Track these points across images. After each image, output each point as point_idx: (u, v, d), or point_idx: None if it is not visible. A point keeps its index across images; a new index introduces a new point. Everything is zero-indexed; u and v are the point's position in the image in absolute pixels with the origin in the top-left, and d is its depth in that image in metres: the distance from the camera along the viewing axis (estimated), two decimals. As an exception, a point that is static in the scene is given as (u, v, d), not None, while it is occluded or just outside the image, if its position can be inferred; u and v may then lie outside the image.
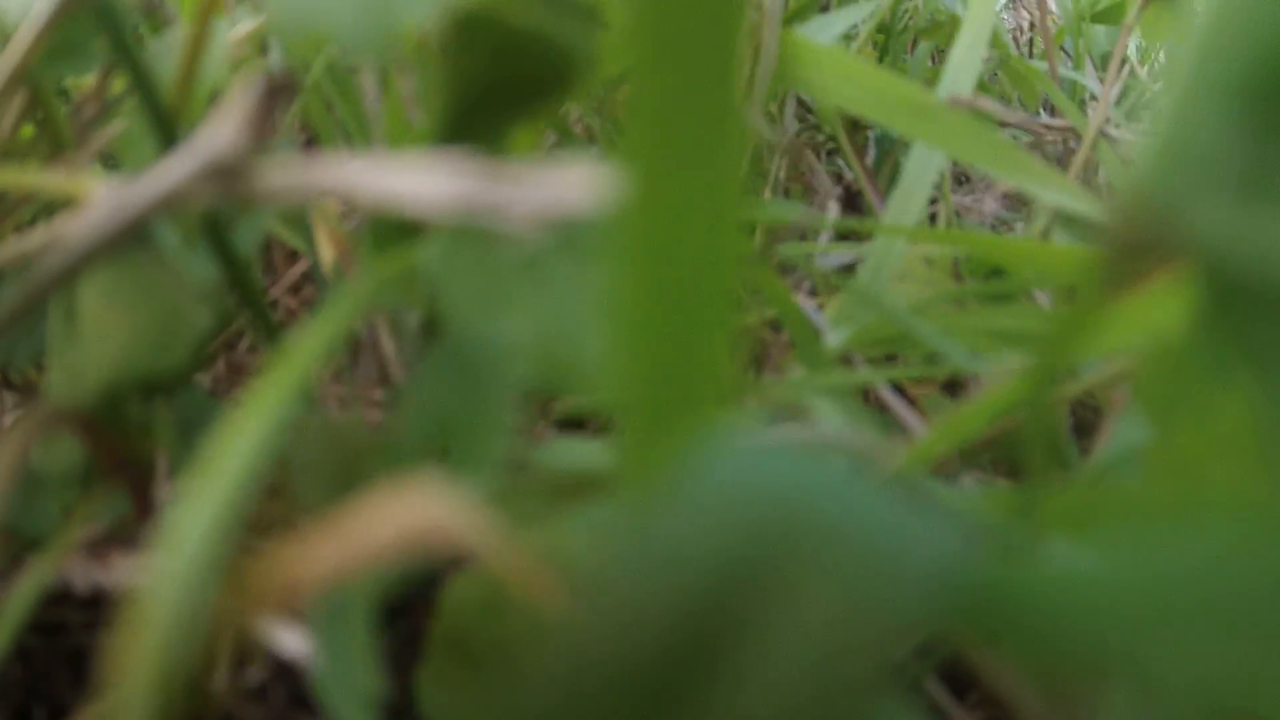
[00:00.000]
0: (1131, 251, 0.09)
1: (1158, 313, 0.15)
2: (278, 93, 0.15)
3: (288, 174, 0.16)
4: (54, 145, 0.29)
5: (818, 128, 0.57)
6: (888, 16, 0.61)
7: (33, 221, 0.34)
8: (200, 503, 0.16)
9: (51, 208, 0.35)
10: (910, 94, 0.39)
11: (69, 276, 0.22)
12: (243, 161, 0.16)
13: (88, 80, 0.34)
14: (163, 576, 0.16)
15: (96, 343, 0.23)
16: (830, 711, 0.08)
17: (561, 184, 0.14)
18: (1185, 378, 0.11)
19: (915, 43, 0.65)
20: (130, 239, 0.21)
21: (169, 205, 0.17)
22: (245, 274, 0.24)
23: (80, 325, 0.24)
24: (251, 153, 0.15)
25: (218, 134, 0.15)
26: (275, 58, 0.36)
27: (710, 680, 0.09)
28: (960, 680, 0.25)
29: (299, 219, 0.32)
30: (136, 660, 0.15)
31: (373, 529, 0.15)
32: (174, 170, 0.16)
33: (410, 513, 0.15)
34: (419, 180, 0.14)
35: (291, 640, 0.21)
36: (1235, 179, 0.09)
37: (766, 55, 0.35)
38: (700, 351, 0.10)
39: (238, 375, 0.38)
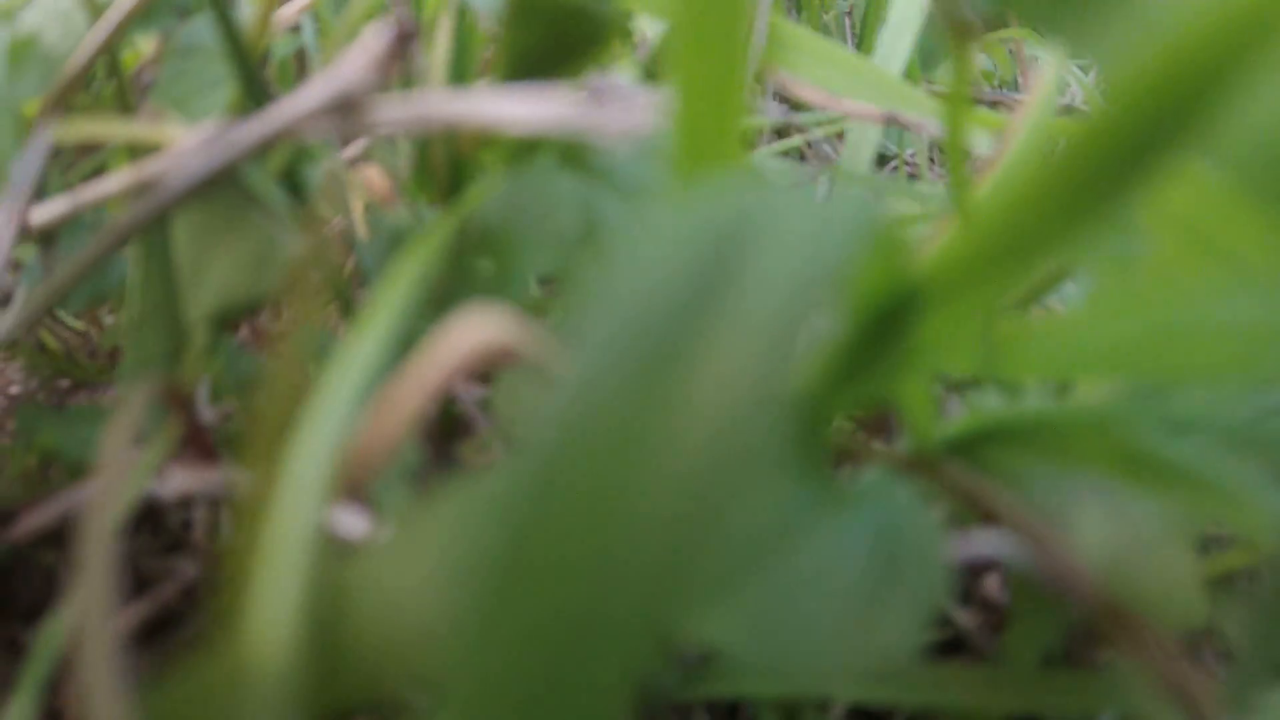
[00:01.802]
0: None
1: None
2: (406, 37, 0.18)
3: (404, 107, 0.19)
4: (122, 106, 0.32)
5: (796, 106, 0.61)
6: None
7: (90, 176, 0.37)
8: (324, 416, 0.19)
9: (102, 167, 0.38)
10: (876, 74, 0.44)
11: (166, 211, 0.25)
12: (368, 95, 0.19)
13: (139, 51, 0.37)
14: (295, 481, 0.18)
15: (194, 274, 0.26)
16: (778, 384, 0.11)
17: (640, 107, 0.17)
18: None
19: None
20: (227, 175, 0.24)
21: (287, 136, 0.21)
22: (316, 210, 0.27)
23: (174, 260, 0.27)
24: (376, 88, 0.19)
25: (347, 70, 0.19)
26: (308, 29, 0.39)
27: (685, 364, 0.11)
28: (962, 590, 0.29)
29: (331, 186, 0.35)
30: (270, 568, 0.17)
31: (444, 355, 0.18)
32: (303, 101, 0.20)
33: (473, 334, 0.18)
34: (526, 106, 0.18)
35: (353, 521, 0.24)
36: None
37: (756, 40, 0.39)
38: (720, 132, 0.14)
39: (260, 340, 0.41)
